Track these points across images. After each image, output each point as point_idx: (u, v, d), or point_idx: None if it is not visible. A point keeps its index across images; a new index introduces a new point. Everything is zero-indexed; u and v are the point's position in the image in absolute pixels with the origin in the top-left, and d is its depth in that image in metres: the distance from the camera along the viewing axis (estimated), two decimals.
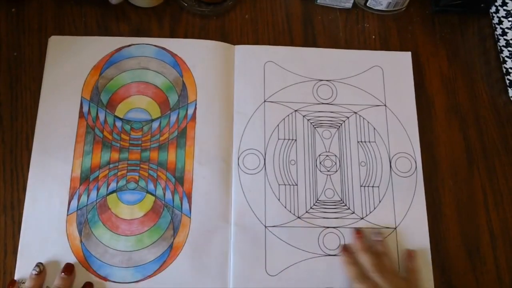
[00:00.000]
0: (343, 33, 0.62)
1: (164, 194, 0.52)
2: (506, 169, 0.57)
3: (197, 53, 0.58)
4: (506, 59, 0.60)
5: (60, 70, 0.56)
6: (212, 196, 0.53)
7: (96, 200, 0.52)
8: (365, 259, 0.51)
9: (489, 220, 0.55)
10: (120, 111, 0.55)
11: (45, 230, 0.50)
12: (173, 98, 0.56)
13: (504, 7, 0.60)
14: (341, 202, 0.54)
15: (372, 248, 0.52)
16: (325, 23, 0.62)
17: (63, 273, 0.48)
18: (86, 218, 0.51)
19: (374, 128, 0.57)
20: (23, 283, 0.48)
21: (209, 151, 0.54)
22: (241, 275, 0.50)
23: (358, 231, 0.53)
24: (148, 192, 0.52)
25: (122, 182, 0.53)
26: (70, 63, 0.56)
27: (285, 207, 0.53)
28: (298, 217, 0.53)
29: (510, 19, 0.59)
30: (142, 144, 0.54)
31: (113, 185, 0.52)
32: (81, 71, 0.56)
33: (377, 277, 0.49)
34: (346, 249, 0.52)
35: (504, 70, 0.61)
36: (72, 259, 0.49)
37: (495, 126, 0.59)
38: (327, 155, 0.56)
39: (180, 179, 0.53)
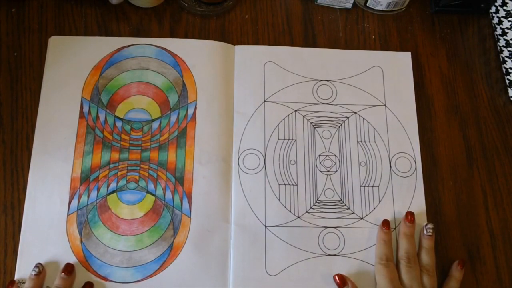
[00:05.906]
0: (343, 33, 0.62)
1: (164, 194, 0.52)
2: (506, 169, 0.57)
3: (197, 53, 0.58)
4: (506, 59, 0.60)
5: (60, 70, 0.56)
6: (212, 196, 0.53)
7: (96, 200, 0.52)
8: (402, 244, 0.50)
9: (489, 220, 0.55)
10: (120, 111, 0.55)
11: (45, 230, 0.50)
12: (173, 98, 0.56)
13: (504, 7, 0.60)
14: (341, 202, 0.54)
15: (414, 237, 0.51)
16: (325, 23, 0.62)
17: (63, 273, 0.48)
18: (86, 218, 0.51)
19: (374, 128, 0.57)
20: (23, 283, 0.48)
21: (209, 151, 0.54)
22: (241, 275, 0.50)
23: (412, 216, 0.52)
24: (148, 192, 0.53)
25: (122, 182, 0.53)
26: (70, 63, 0.56)
27: (285, 207, 0.53)
28: (298, 217, 0.53)
29: (510, 19, 0.59)
30: (142, 144, 0.54)
31: (113, 185, 0.52)
32: (81, 71, 0.56)
33: (403, 265, 0.48)
34: (385, 225, 0.51)
35: (504, 70, 0.61)
36: (72, 259, 0.49)
37: (495, 126, 0.59)
38: (327, 155, 0.56)
39: (180, 179, 0.53)
